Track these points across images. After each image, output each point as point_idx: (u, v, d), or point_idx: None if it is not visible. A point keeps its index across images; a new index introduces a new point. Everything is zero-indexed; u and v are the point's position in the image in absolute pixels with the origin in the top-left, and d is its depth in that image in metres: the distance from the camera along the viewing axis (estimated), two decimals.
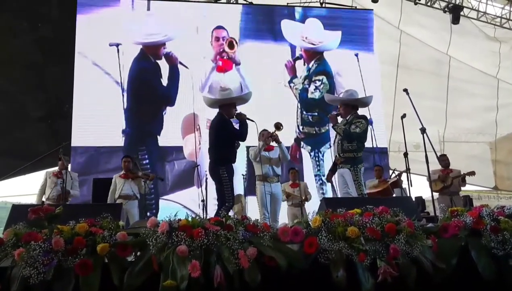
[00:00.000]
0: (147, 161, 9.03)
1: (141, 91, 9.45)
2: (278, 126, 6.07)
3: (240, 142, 5.43)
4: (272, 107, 9.63)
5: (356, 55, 10.48)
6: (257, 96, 9.71)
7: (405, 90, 5.05)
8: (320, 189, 9.64)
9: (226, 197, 4.91)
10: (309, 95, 10.13)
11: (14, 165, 9.58)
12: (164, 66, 9.60)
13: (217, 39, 9.93)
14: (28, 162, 8.84)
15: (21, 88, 9.55)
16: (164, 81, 9.53)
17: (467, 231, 2.57)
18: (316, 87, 10.16)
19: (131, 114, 9.27)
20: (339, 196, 5.93)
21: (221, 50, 9.82)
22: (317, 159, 9.87)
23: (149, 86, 9.53)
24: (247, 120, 5.26)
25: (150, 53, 9.58)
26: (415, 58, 12.06)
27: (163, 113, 9.39)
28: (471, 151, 12.50)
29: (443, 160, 7.50)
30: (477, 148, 12.83)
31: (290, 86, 10.05)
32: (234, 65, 9.77)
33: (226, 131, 5.13)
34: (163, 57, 9.60)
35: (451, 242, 2.53)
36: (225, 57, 9.80)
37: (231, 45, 9.72)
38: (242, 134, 5.19)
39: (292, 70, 10.13)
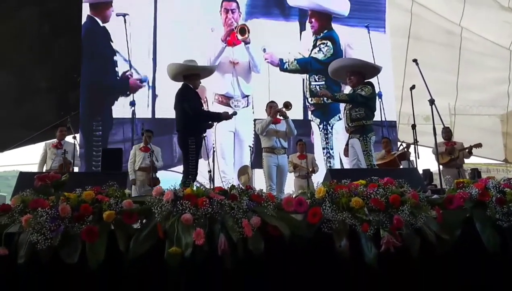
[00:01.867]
0: (100, 133, 9.00)
1: (92, 58, 9.31)
2: (287, 105, 6.08)
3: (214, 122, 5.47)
4: (281, 83, 9.59)
5: (367, 26, 10.33)
6: (266, 73, 9.73)
7: (415, 60, 4.98)
8: (328, 162, 9.63)
9: (190, 169, 4.76)
10: (312, 55, 10.02)
11: (24, 135, 9.69)
12: (112, 29, 9.41)
13: (226, 11, 9.79)
14: (37, 131, 8.92)
15: (29, 60, 9.55)
16: (115, 46, 9.35)
17: (472, 203, 2.56)
18: (320, 49, 10.04)
19: (84, 82, 9.21)
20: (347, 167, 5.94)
21: (231, 28, 9.68)
22: (325, 131, 9.83)
23: (98, 51, 9.37)
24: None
25: (96, 14, 9.38)
26: (427, 29, 11.80)
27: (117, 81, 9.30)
28: (481, 123, 12.34)
29: (445, 132, 7.46)
30: (488, 121, 12.65)
31: (286, 69, 9.91)
32: (244, 44, 9.65)
33: (193, 102, 4.98)
34: (110, 19, 9.39)
35: (456, 214, 2.53)
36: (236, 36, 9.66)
37: (242, 32, 9.55)
38: (204, 116, 5.17)
39: (274, 58, 9.91)
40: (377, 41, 10.25)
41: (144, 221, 2.31)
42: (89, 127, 8.96)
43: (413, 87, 5.24)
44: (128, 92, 9.24)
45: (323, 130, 9.83)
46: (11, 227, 2.20)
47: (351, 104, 4.99)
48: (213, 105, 9.14)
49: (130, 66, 9.33)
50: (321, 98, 9.63)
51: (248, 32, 9.50)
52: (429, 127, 5.18)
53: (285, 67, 9.89)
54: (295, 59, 9.92)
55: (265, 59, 9.77)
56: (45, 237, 2.08)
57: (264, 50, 9.77)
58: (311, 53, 10.07)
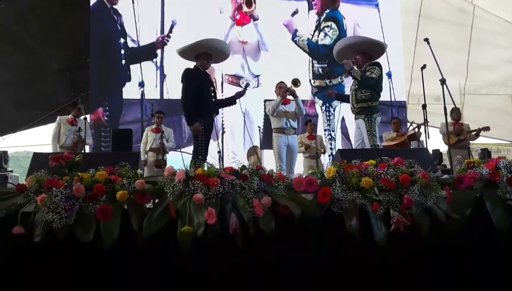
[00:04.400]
0: (107, 113, 9.06)
1: (100, 41, 9.34)
2: (295, 82, 6.07)
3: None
4: (290, 62, 9.54)
5: (377, 5, 10.21)
6: (275, 51, 9.68)
7: (426, 39, 4.93)
8: (329, 144, 9.64)
9: (199, 149, 4.77)
10: (319, 42, 9.95)
11: (35, 115, 9.76)
12: (120, 10, 9.39)
13: None
14: (48, 112, 8.97)
15: (39, 40, 9.55)
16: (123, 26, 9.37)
17: (483, 183, 2.55)
18: (326, 34, 9.96)
19: (94, 65, 9.25)
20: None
21: (239, 6, 9.61)
22: (327, 113, 9.82)
23: (106, 33, 9.39)
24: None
25: None
26: (438, 7, 11.63)
27: (123, 62, 9.30)
28: (492, 103, 12.23)
29: (456, 113, 7.40)
30: (499, 101, 12.52)
31: (295, 42, 9.85)
32: (252, 20, 9.60)
33: (198, 83, 4.91)
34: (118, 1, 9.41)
35: (466, 193, 2.52)
36: (243, 10, 9.61)
37: (249, 3, 9.49)
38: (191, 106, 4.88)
39: (292, 26, 9.89)
40: (387, 20, 10.13)
41: (156, 200, 2.34)
42: (98, 109, 9.02)
43: (424, 67, 5.20)
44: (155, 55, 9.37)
45: (325, 112, 9.82)
46: (27, 206, 2.24)
47: (358, 85, 4.99)
48: (223, 86, 9.16)
49: (139, 47, 9.34)
50: (324, 80, 9.64)
51: (255, 3, 9.45)
52: (438, 107, 5.15)
53: (295, 39, 9.85)
54: (308, 39, 9.85)
55: (283, 23, 9.78)
56: (60, 216, 2.12)
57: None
58: (313, 36, 9.97)
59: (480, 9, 11.72)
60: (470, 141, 7.58)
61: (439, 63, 4.76)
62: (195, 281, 2.33)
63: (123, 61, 9.28)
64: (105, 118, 9.00)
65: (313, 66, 9.89)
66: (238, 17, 9.60)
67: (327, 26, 10.01)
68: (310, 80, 9.87)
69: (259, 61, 9.64)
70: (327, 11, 10.08)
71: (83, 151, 6.39)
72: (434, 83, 4.92)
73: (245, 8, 9.49)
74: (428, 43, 4.87)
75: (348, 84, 9.02)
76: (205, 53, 5.04)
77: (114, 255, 2.17)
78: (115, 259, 2.23)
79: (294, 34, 9.88)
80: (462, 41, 11.73)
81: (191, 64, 5.15)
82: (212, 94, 5.09)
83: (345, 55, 5.32)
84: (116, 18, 9.33)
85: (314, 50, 9.92)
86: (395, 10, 10.43)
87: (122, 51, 9.31)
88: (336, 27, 10.00)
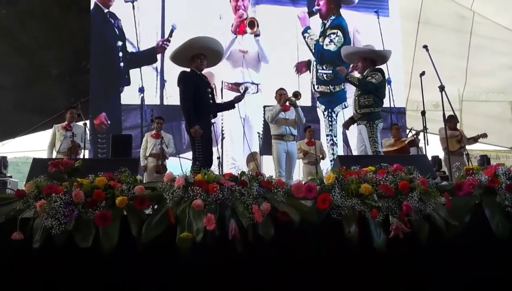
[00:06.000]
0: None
1: (100, 46, 9.32)
2: (296, 95, 6.11)
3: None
4: (290, 71, 9.56)
5: (376, 12, 10.25)
6: (275, 59, 9.69)
7: (425, 46, 4.94)
8: (331, 149, 9.64)
9: (196, 155, 4.66)
10: (324, 48, 9.99)
11: (34, 121, 9.75)
12: (120, 16, 9.39)
13: None
14: (47, 117, 8.96)
15: (40, 44, 9.57)
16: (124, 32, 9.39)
17: (482, 189, 2.56)
18: (331, 40, 9.99)
19: (93, 70, 9.23)
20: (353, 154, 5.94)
21: (241, 20, 9.64)
22: (330, 118, 9.82)
23: (105, 40, 9.37)
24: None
25: (100, 1, 9.36)
26: (438, 13, 11.65)
27: (121, 67, 9.29)
28: (491, 110, 12.23)
29: (453, 122, 7.38)
30: (497, 107, 12.53)
31: (304, 37, 9.89)
32: (253, 36, 9.63)
33: (194, 85, 4.78)
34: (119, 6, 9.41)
35: (465, 200, 2.53)
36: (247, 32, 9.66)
37: (251, 25, 9.54)
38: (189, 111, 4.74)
39: (305, 22, 9.94)
40: (387, 27, 10.17)
41: (155, 206, 2.34)
42: (98, 114, 9.01)
43: (423, 73, 5.21)
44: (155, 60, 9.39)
45: (327, 118, 9.83)
46: (26, 212, 2.24)
47: (360, 91, 5.00)
48: (222, 92, 9.14)
49: (138, 51, 9.36)
50: (328, 87, 9.65)
51: (257, 26, 9.49)
52: (438, 114, 5.15)
53: (304, 35, 9.91)
54: (317, 41, 9.89)
55: (298, 15, 9.89)
56: (60, 222, 2.12)
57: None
58: (319, 40, 9.98)
59: (480, 15, 11.75)
60: (474, 147, 7.62)
61: (438, 69, 4.78)
62: (194, 286, 2.33)
63: (121, 64, 9.27)
64: (108, 122, 8.97)
65: (317, 71, 9.91)
66: (238, 28, 9.63)
67: (333, 33, 10.02)
68: (313, 85, 9.88)
69: (259, 71, 9.66)
70: (332, 17, 10.11)
71: (78, 156, 6.38)
72: (433, 90, 4.93)
73: (248, 30, 9.52)
74: (427, 50, 4.89)
75: (350, 90, 9.09)
76: (198, 54, 4.95)
77: (114, 261, 2.17)
78: (115, 265, 2.23)
79: (305, 30, 9.90)
80: (461, 47, 11.75)
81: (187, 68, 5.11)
82: (210, 96, 5.02)
83: (351, 59, 5.48)
84: (113, 21, 9.32)
85: (319, 53, 9.94)
86: (395, 16, 10.45)
87: (120, 54, 9.29)
88: (341, 35, 10.03)
